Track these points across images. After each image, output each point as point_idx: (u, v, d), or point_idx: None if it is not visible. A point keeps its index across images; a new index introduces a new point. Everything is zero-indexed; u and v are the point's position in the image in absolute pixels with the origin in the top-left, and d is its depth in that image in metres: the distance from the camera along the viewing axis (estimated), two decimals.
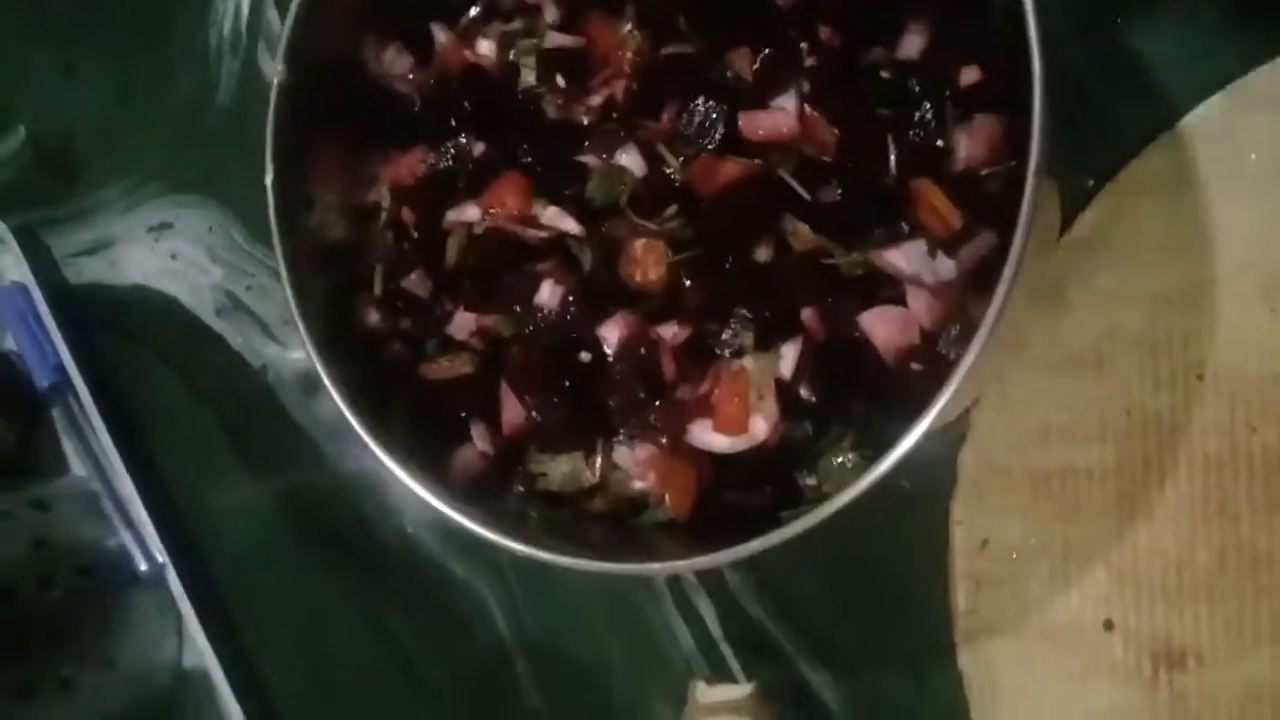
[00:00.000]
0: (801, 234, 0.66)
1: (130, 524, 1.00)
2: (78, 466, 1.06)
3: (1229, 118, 0.66)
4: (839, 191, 0.67)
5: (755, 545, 0.59)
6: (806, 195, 0.67)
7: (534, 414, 0.71)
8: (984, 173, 0.63)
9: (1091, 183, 0.69)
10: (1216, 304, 0.66)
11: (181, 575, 0.97)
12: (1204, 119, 0.67)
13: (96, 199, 1.07)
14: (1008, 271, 0.53)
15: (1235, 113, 0.66)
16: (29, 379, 1.05)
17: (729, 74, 0.68)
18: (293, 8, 0.73)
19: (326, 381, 0.71)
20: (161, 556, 0.97)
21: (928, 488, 0.73)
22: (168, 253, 1.03)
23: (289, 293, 0.73)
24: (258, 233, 0.99)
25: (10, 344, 1.09)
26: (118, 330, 1.04)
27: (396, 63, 0.79)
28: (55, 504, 0.99)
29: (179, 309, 1.02)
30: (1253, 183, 0.66)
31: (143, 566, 0.97)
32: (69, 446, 1.07)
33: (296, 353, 0.96)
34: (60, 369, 1.03)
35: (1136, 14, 0.69)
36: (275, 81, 0.73)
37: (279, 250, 0.73)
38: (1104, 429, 0.67)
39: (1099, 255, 0.67)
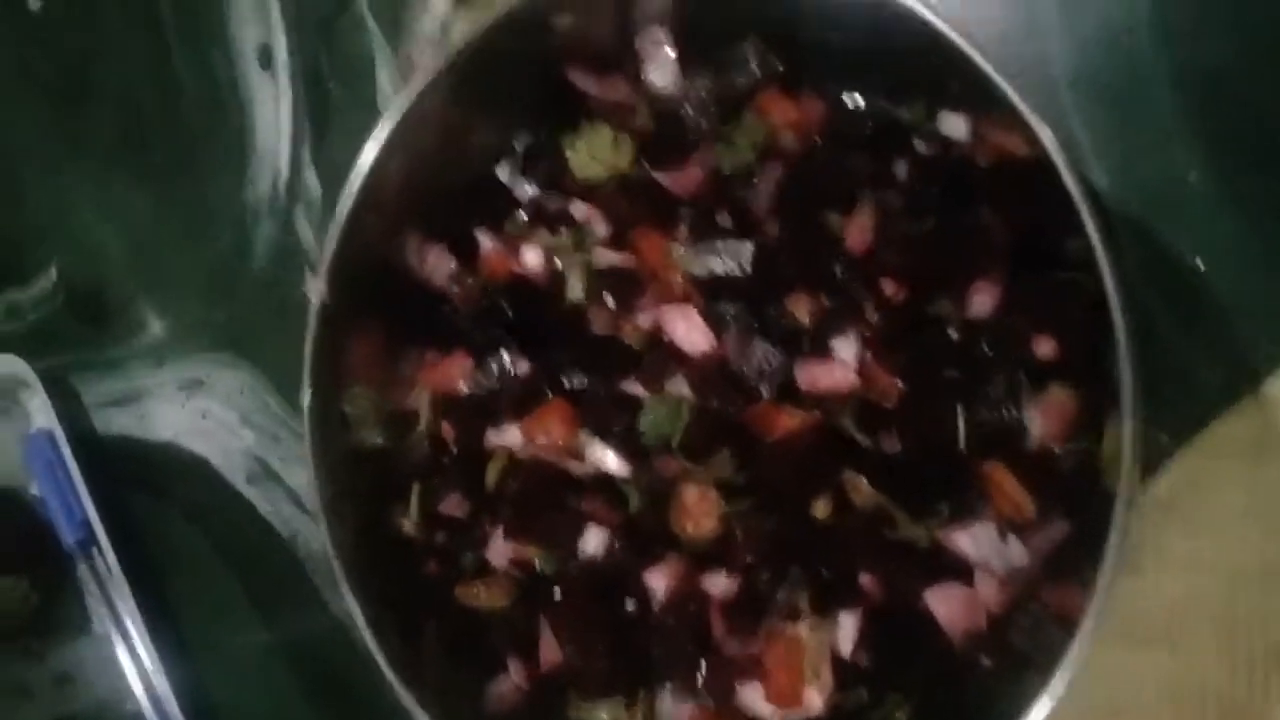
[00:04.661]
0: (862, 490, 0.63)
1: (154, 697, 0.97)
2: (100, 625, 1.03)
3: None
4: (900, 443, 0.63)
5: None
6: (867, 442, 0.63)
7: (575, 660, 0.67)
8: (1058, 451, 0.59)
9: (1167, 439, 0.65)
10: None
11: None
12: None
13: (128, 349, 1.04)
14: (1095, 604, 0.49)
15: None
16: (55, 534, 1.02)
17: (785, 319, 0.64)
18: (336, 223, 0.70)
19: (359, 617, 0.67)
20: None
21: None
22: (199, 411, 1.00)
23: (323, 516, 0.69)
24: (292, 399, 0.95)
25: (35, 490, 1.05)
26: (146, 487, 1.01)
27: (439, 267, 0.76)
28: (78, 675, 0.97)
29: (209, 471, 0.99)
30: None
31: None
32: (92, 604, 1.03)
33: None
34: (87, 526, 1.00)
35: (1221, 260, 0.64)
36: (315, 301, 0.69)
37: (313, 473, 0.70)
38: (1179, 714, 0.62)
39: (1174, 520, 0.64)
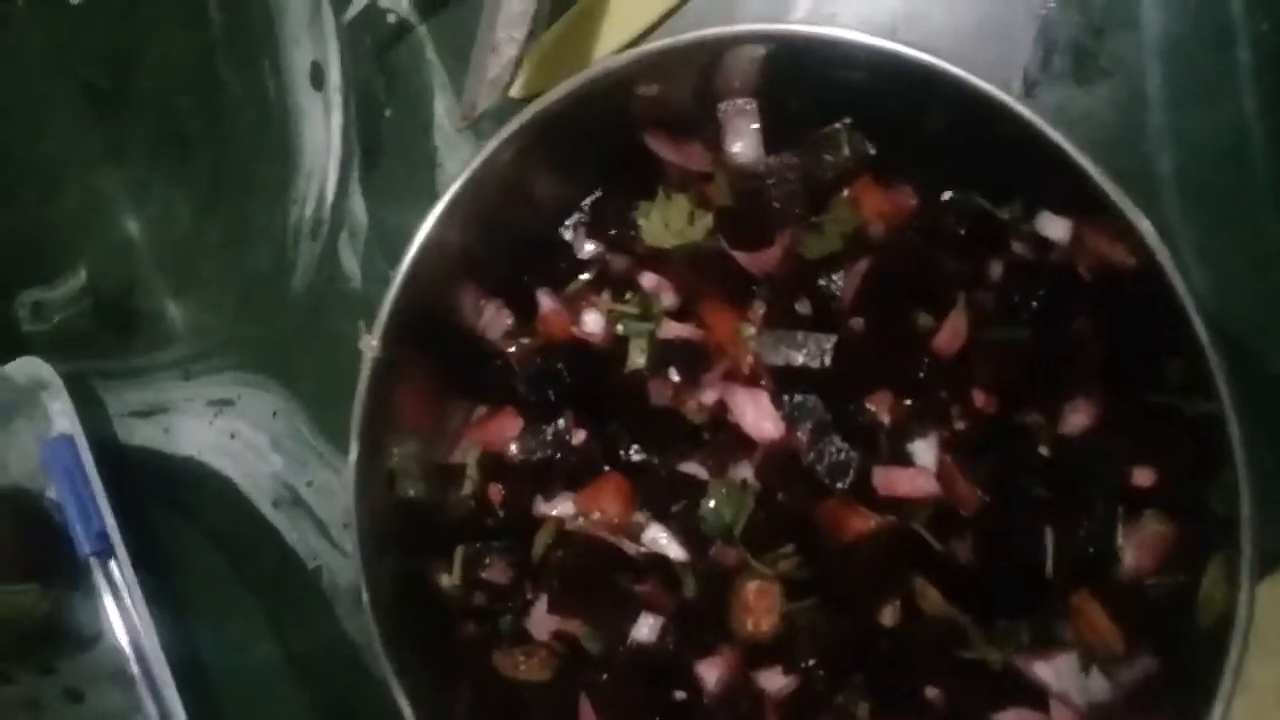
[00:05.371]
0: (932, 598, 0.60)
1: (165, 714, 0.95)
2: (112, 636, 1.01)
3: None
4: (976, 555, 0.60)
5: None
6: (941, 549, 0.61)
7: None
8: (1149, 582, 0.56)
9: None
10: None
11: None
12: None
13: (155, 359, 1.02)
14: None
15: None
16: (70, 542, 1.00)
17: (864, 417, 0.62)
18: (394, 283, 0.67)
19: (390, 675, 0.66)
20: None
21: None
22: (226, 431, 0.97)
23: (362, 570, 0.67)
24: (325, 427, 0.93)
25: (52, 494, 1.03)
26: (166, 501, 0.99)
27: (496, 323, 0.73)
28: (89, 690, 0.95)
29: (234, 492, 0.97)
30: None
31: None
32: (105, 615, 1.01)
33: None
34: (104, 536, 0.97)
35: None
36: (368, 357, 0.67)
37: (355, 527, 0.68)
38: None
39: (1252, 648, 0.61)
